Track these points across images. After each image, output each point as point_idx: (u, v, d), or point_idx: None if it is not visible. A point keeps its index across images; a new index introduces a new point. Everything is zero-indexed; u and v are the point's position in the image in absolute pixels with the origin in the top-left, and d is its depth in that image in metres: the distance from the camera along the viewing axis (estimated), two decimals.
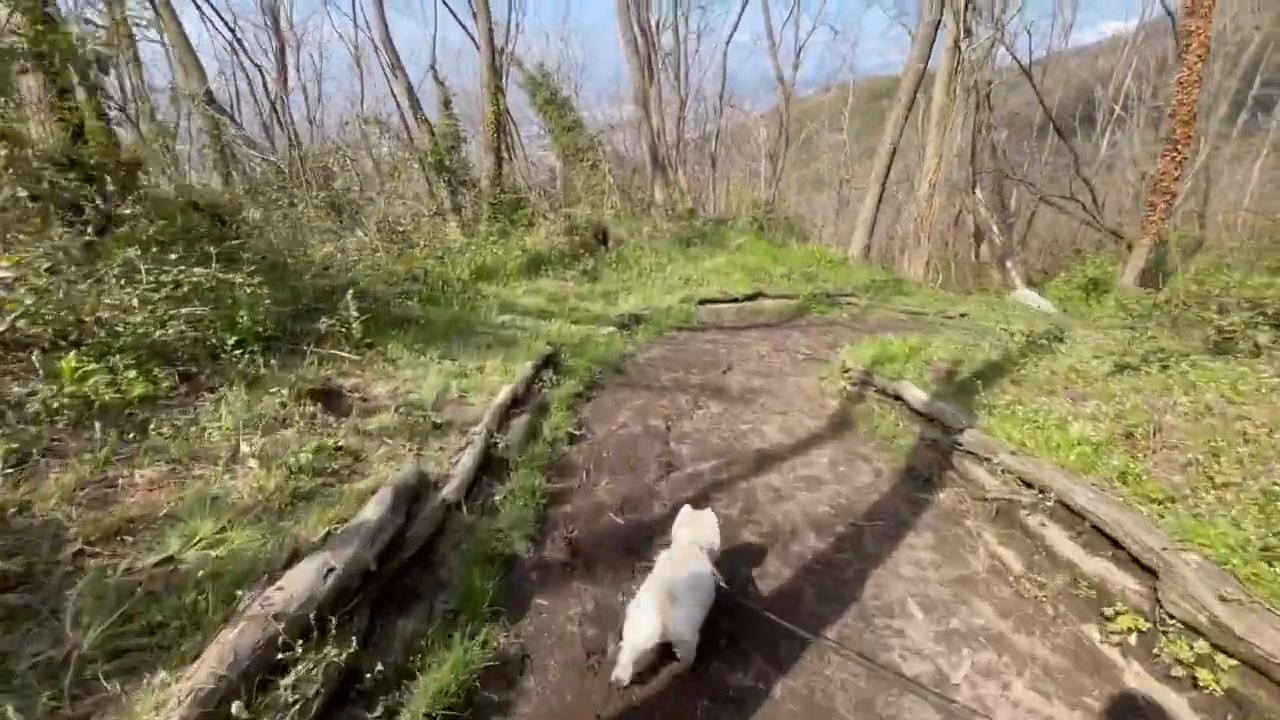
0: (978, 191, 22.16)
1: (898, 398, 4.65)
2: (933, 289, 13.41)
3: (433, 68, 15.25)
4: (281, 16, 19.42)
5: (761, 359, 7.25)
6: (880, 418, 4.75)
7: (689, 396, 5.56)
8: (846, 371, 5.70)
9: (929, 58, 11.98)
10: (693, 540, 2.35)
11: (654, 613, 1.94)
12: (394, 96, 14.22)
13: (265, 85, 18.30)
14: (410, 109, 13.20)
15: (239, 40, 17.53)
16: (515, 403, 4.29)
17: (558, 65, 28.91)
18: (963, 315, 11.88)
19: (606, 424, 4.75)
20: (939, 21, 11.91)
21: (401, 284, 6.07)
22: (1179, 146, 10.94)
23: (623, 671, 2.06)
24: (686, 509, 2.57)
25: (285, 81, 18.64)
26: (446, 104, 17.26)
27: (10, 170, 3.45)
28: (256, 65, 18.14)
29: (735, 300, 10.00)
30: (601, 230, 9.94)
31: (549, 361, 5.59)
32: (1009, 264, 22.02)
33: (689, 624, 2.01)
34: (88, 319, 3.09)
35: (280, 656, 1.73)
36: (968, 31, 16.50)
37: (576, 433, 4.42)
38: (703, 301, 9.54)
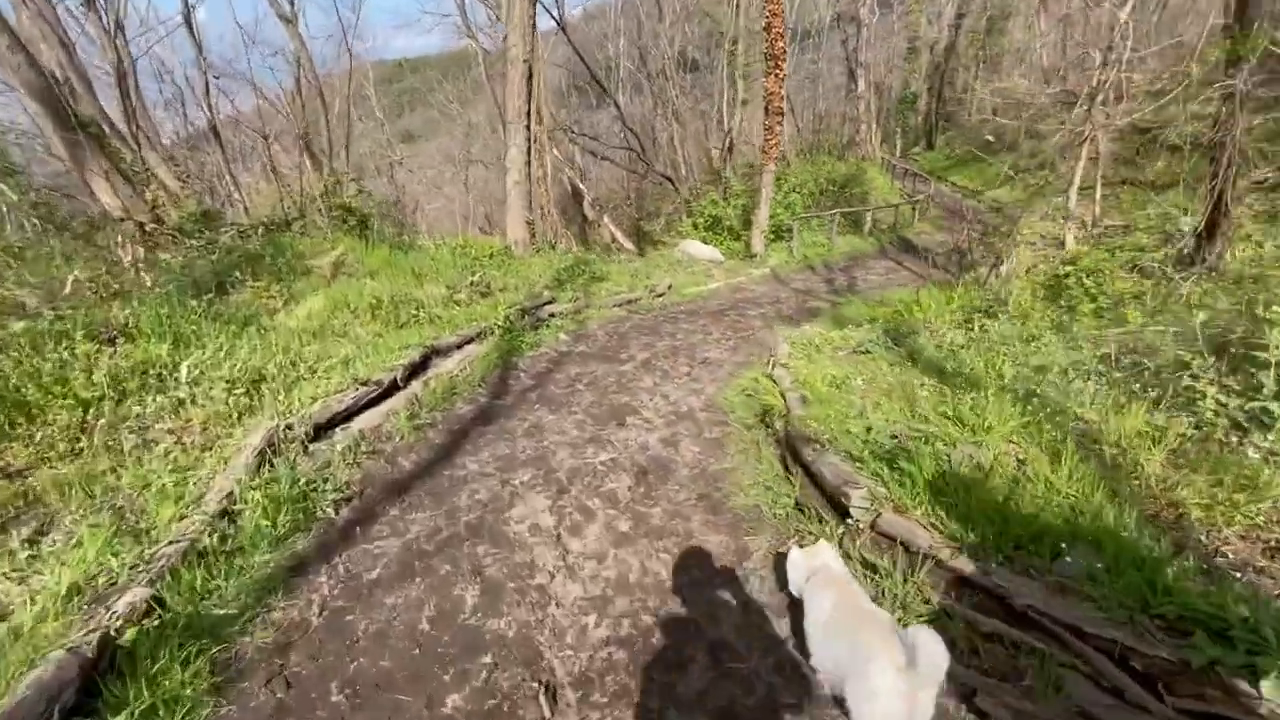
0: (556, 150, 20.56)
1: None
2: (617, 262, 10.42)
3: None
4: None
5: (545, 614, 2.67)
6: None
7: None
8: None
9: None
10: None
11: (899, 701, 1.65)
12: None
13: None
14: None
15: None
16: None
17: None
18: (670, 287, 9.41)
19: None
20: None
21: None
22: (779, 62, 10.45)
23: None
24: (795, 552, 2.18)
25: None
26: None
27: None
28: None
29: (392, 390, 4.34)
30: None
31: None
32: (606, 219, 21.69)
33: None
34: None
35: None
36: None
37: None
38: (319, 433, 3.58)
